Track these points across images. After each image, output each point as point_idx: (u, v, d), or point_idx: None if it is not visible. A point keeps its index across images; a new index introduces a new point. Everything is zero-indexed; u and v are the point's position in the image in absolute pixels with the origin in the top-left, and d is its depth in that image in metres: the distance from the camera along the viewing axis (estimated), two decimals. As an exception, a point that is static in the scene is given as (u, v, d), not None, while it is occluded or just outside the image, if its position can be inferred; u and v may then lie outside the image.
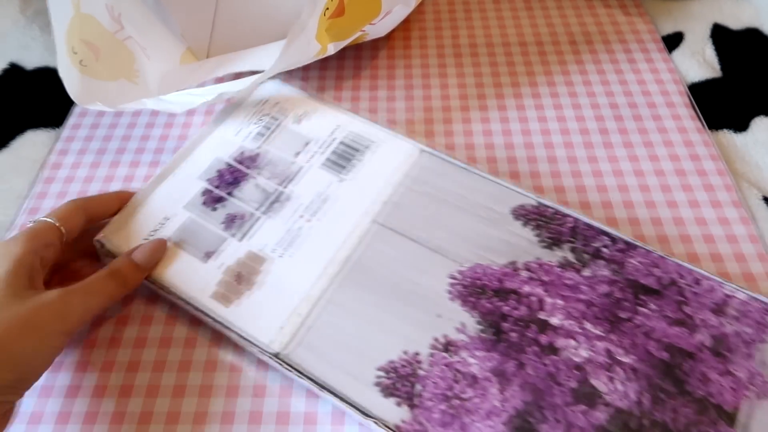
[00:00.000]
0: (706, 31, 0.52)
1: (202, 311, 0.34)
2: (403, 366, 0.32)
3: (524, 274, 0.35)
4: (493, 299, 0.34)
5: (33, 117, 0.49)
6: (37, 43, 0.54)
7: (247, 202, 0.39)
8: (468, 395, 0.31)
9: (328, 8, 0.40)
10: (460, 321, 0.33)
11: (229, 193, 0.39)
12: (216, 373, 0.35)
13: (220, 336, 0.36)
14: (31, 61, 0.53)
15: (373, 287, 0.35)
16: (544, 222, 0.37)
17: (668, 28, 0.54)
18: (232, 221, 0.38)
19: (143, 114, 0.50)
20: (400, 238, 0.37)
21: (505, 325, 0.33)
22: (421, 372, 0.32)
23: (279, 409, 0.34)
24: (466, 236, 0.37)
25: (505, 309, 0.34)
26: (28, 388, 0.30)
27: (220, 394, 0.34)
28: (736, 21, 0.53)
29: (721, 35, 0.51)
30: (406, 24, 0.56)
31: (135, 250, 0.36)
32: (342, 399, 0.31)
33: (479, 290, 0.35)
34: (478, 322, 0.33)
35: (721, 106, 0.49)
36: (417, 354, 0.33)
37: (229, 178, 0.40)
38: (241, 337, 0.34)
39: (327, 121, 0.42)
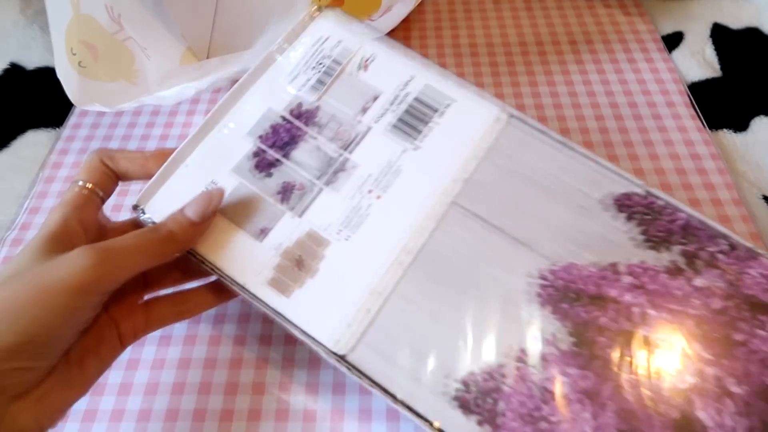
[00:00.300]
0: (706, 30, 0.52)
1: (258, 300, 0.30)
2: (486, 380, 0.29)
3: (626, 279, 0.31)
4: (589, 308, 0.30)
5: (33, 117, 0.49)
6: (38, 43, 0.54)
7: (307, 169, 0.33)
8: (557, 419, 0.28)
9: None
10: (551, 331, 0.30)
11: (285, 156, 0.34)
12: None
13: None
14: (31, 61, 0.53)
15: (449, 282, 0.31)
16: (651, 217, 0.32)
17: (668, 28, 0.54)
18: (289, 191, 0.33)
19: (143, 114, 0.50)
20: (482, 224, 0.32)
21: (602, 340, 0.29)
22: (505, 388, 0.29)
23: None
24: (558, 227, 0.32)
25: (603, 321, 0.30)
26: (48, 352, 0.27)
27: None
28: (735, 20, 0.52)
29: (721, 35, 0.51)
30: (406, 24, 0.56)
31: (185, 206, 0.31)
32: (419, 416, 0.28)
33: (573, 296, 0.30)
34: (571, 334, 0.30)
35: (721, 105, 0.49)
36: (501, 366, 0.29)
37: (285, 137, 0.34)
38: (305, 334, 0.30)
39: (398, 70, 0.36)
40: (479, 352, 0.29)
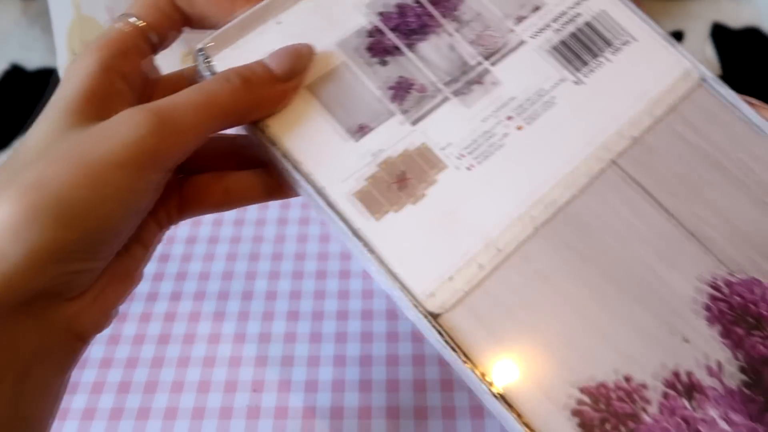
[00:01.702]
0: (706, 30, 0.51)
1: (335, 213, 0.22)
2: (620, 399, 0.21)
3: (827, 317, 0.23)
4: (772, 341, 0.22)
5: (34, 118, 0.46)
6: (39, 45, 0.54)
7: (433, 69, 0.25)
8: (708, 478, 0.20)
9: None
10: (717, 359, 0.22)
11: (410, 46, 0.25)
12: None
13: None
14: (32, 62, 0.53)
15: (591, 259, 0.23)
16: None
17: (668, 27, 0.52)
18: (404, 90, 0.25)
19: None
20: (645, 198, 0.24)
21: (784, 388, 0.21)
22: (645, 417, 0.20)
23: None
24: (742, 229, 0.24)
25: (790, 363, 0.22)
26: (106, 250, 0.20)
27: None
28: (735, 20, 0.51)
29: (720, 34, 0.50)
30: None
31: (266, 57, 0.23)
32: (519, 417, 0.20)
33: (753, 321, 0.22)
34: (743, 370, 0.22)
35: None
36: (643, 386, 0.21)
37: (414, 23, 0.26)
38: (390, 272, 0.22)
39: (571, -15, 0.28)
40: (617, 360, 0.21)
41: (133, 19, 0.23)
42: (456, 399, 0.33)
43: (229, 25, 0.24)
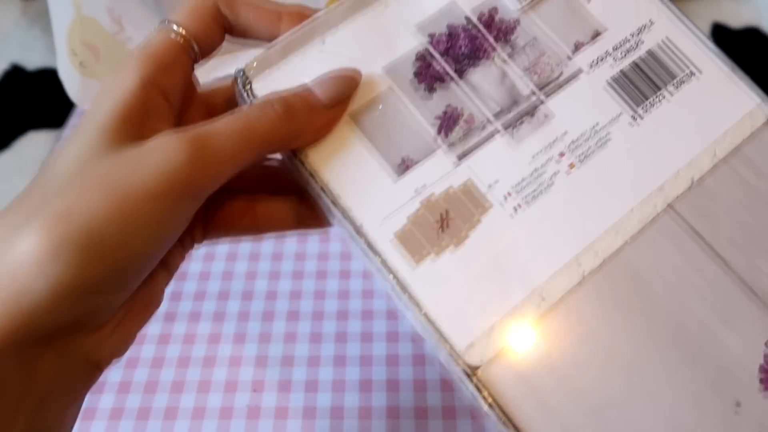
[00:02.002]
0: (706, 30, 0.50)
1: (373, 253, 0.21)
2: (665, 469, 0.20)
3: None
4: (832, 414, 0.21)
5: (34, 118, 0.49)
6: (39, 45, 0.54)
7: (483, 98, 0.24)
8: None
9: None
10: (771, 429, 0.20)
11: (459, 72, 0.24)
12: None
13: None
14: (32, 62, 0.53)
15: (641, 312, 0.21)
16: None
17: None
18: (452, 121, 0.23)
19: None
20: (703, 249, 0.22)
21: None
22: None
23: None
24: (806, 287, 0.22)
25: None
26: (133, 281, 0.20)
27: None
28: (735, 20, 0.51)
29: (720, 34, 0.50)
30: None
31: (311, 83, 0.22)
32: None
33: (812, 390, 0.21)
34: (800, 445, 0.20)
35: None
36: (691, 459, 0.20)
37: (465, 47, 0.24)
38: (428, 320, 0.21)
39: (635, 7, 0.26)
40: (661, 422, 0.20)
41: (176, 28, 0.22)
42: (456, 399, 0.33)
43: (274, 48, 0.23)
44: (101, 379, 0.24)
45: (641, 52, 0.25)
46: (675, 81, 0.25)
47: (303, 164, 0.22)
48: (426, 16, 0.24)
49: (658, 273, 0.22)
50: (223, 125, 0.20)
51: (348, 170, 0.22)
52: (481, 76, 0.24)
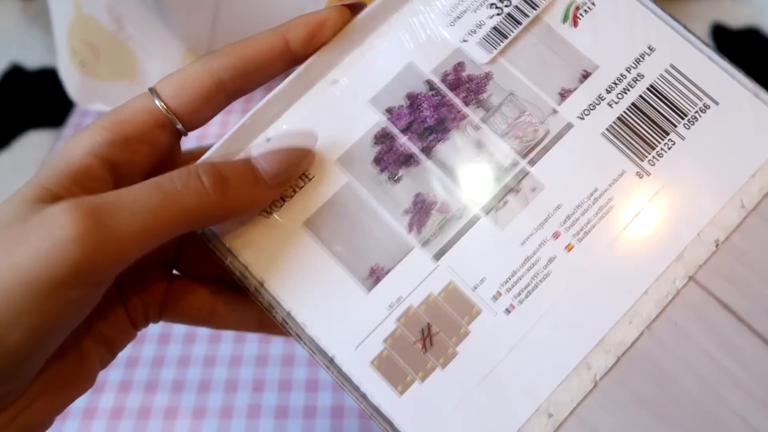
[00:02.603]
0: (706, 30, 0.50)
1: (351, 386, 0.19)
2: None
3: None
4: None
5: (34, 117, 0.49)
6: (39, 44, 0.53)
7: (458, 180, 0.20)
8: None
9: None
10: None
11: (426, 150, 0.21)
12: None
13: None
14: (32, 61, 0.53)
15: (667, 412, 0.18)
16: None
17: None
18: (423, 212, 0.20)
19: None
20: (734, 325, 0.19)
21: None
22: None
23: None
24: None
25: None
26: (27, 370, 0.18)
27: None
28: (735, 20, 0.51)
29: (720, 35, 0.50)
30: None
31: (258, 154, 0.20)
32: None
33: None
34: None
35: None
36: None
37: (430, 117, 0.21)
38: (419, 463, 0.18)
39: (629, 32, 0.21)
40: None
41: (159, 103, 0.19)
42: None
43: (216, 150, 0.20)
44: (101, 378, 0.23)
45: (641, 89, 0.21)
46: (686, 119, 0.21)
47: (261, 293, 0.20)
48: (381, 88, 0.21)
49: (682, 361, 0.19)
50: (134, 195, 0.17)
51: (311, 293, 0.19)
52: (453, 151, 0.20)
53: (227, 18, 0.45)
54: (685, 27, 0.21)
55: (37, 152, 0.48)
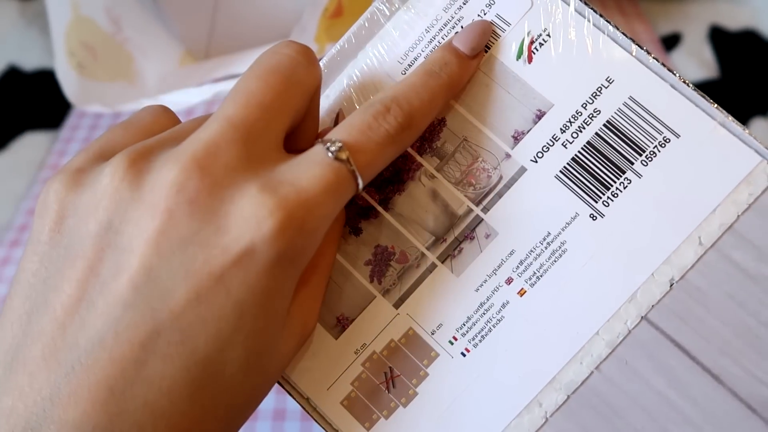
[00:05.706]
0: (704, 32, 0.50)
1: (325, 423, 0.21)
2: None
3: None
4: None
5: (31, 118, 0.50)
6: (36, 46, 0.54)
7: (414, 229, 0.21)
8: None
9: (327, 9, 0.38)
10: None
11: (384, 202, 0.22)
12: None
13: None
14: (29, 63, 0.53)
15: (616, 448, 0.20)
16: None
17: (665, 29, 0.51)
18: (383, 263, 0.21)
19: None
20: (686, 364, 0.20)
21: None
22: None
23: None
24: (821, 391, 0.19)
25: None
26: None
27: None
28: (733, 22, 0.51)
29: (718, 36, 0.50)
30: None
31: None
32: None
33: None
34: None
35: (719, 106, 0.40)
36: None
37: (387, 170, 0.22)
38: (386, 489, 0.21)
39: (586, 64, 0.21)
40: None
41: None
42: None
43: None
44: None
45: (597, 125, 0.20)
46: (644, 155, 0.20)
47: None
48: (339, 141, 0.22)
49: (632, 399, 0.20)
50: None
51: (286, 341, 0.22)
52: (409, 201, 0.21)
53: (225, 20, 0.45)
54: (647, 52, 0.20)
55: (34, 154, 0.48)
